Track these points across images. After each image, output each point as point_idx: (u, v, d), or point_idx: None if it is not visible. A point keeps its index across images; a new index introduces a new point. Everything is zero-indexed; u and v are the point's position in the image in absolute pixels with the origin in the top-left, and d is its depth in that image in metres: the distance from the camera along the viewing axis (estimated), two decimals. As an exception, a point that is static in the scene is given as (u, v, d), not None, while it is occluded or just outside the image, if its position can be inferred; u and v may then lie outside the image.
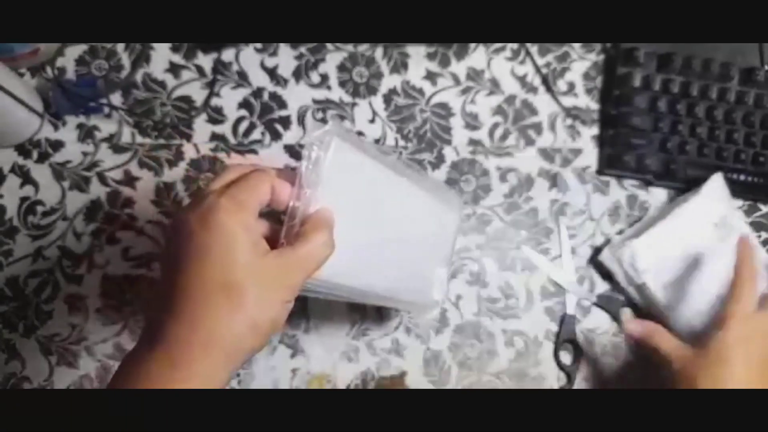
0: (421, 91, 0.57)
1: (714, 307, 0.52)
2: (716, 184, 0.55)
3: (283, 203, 0.32)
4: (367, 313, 0.53)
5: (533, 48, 0.59)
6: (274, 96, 0.56)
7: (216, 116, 0.55)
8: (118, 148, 0.54)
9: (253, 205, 0.30)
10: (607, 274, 0.55)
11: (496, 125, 0.57)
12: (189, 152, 0.54)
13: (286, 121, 0.55)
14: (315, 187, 0.33)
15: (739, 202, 0.58)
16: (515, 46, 0.58)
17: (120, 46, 0.55)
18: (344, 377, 0.53)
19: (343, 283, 0.36)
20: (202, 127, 0.55)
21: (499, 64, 0.58)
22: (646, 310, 0.55)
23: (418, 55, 0.57)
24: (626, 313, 0.55)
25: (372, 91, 0.57)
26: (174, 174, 0.54)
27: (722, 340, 0.43)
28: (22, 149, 0.53)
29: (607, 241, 0.56)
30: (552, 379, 0.54)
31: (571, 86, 0.59)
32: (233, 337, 0.29)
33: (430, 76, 0.57)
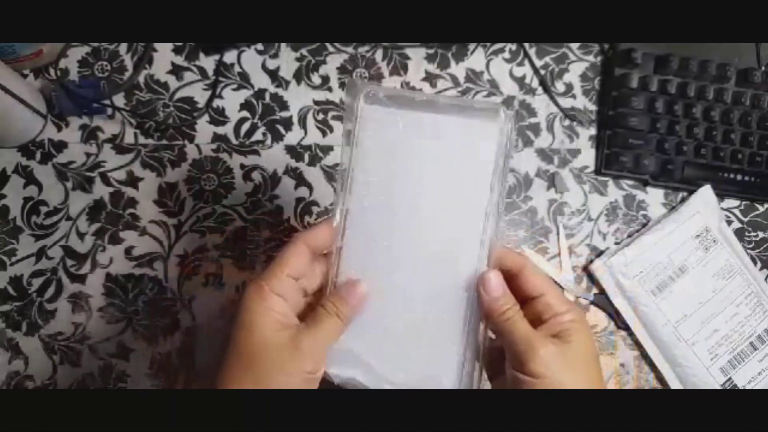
0: (421, 93, 0.57)
1: (695, 311, 0.55)
2: (703, 196, 0.57)
3: (325, 248, 0.35)
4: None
5: (531, 50, 0.59)
6: (275, 97, 0.56)
7: (218, 117, 0.56)
8: (120, 149, 0.54)
9: (275, 283, 0.33)
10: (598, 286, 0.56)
11: (495, 126, 0.58)
12: (191, 153, 0.55)
13: (287, 122, 0.56)
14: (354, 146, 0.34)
15: (736, 202, 0.59)
16: (514, 47, 0.59)
17: (123, 48, 0.56)
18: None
19: None
20: (204, 128, 0.55)
21: (498, 65, 0.59)
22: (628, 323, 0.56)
23: (417, 56, 0.58)
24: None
25: (372, 92, 0.57)
26: (176, 174, 0.54)
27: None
28: (26, 150, 0.54)
29: (601, 252, 0.56)
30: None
31: (569, 87, 0.59)
32: None
33: (430, 78, 0.58)
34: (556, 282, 0.55)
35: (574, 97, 0.59)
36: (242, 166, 0.55)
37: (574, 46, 0.60)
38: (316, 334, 0.33)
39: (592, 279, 0.56)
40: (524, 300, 0.36)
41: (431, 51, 0.58)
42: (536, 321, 0.35)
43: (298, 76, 0.57)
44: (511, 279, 0.36)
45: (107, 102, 0.54)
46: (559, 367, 0.32)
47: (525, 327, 0.34)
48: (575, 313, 0.35)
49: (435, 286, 0.36)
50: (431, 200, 0.35)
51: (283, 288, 0.34)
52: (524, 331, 0.34)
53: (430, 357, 0.36)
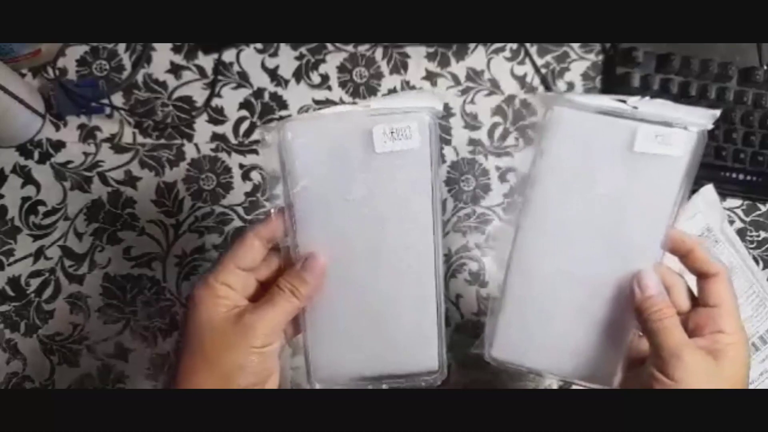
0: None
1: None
2: (705, 196, 0.57)
3: (277, 239, 0.35)
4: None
5: (532, 48, 0.59)
6: (274, 96, 0.56)
7: (217, 116, 0.55)
8: (119, 148, 0.54)
9: (222, 275, 0.34)
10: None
11: (495, 125, 0.57)
12: (190, 152, 0.54)
13: (286, 122, 0.56)
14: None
15: (738, 202, 0.58)
16: (515, 46, 0.59)
17: (121, 47, 0.55)
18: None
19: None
20: (202, 128, 0.55)
21: (499, 64, 0.58)
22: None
23: (417, 55, 0.58)
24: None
25: (372, 91, 0.57)
26: (175, 174, 0.54)
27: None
28: (24, 149, 0.53)
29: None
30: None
31: (571, 86, 0.59)
32: (212, 383, 0.33)
33: (430, 77, 0.58)
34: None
35: (575, 96, 0.59)
36: (241, 166, 0.55)
37: (576, 44, 0.59)
38: (264, 311, 0.33)
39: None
40: (697, 305, 0.35)
41: (431, 50, 0.58)
42: (696, 331, 0.34)
43: (298, 75, 0.56)
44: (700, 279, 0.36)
45: (105, 101, 0.54)
46: (701, 379, 0.32)
47: (678, 336, 0.33)
48: (740, 337, 0.34)
49: (595, 279, 0.36)
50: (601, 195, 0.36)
51: (231, 278, 0.34)
52: (677, 339, 0.33)
53: (594, 359, 0.37)
